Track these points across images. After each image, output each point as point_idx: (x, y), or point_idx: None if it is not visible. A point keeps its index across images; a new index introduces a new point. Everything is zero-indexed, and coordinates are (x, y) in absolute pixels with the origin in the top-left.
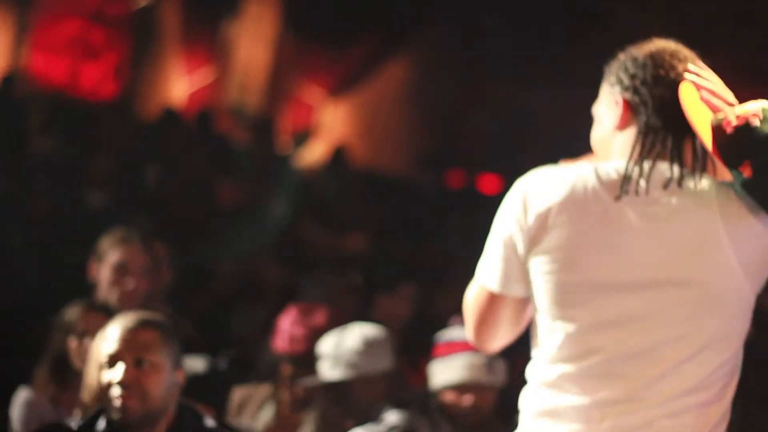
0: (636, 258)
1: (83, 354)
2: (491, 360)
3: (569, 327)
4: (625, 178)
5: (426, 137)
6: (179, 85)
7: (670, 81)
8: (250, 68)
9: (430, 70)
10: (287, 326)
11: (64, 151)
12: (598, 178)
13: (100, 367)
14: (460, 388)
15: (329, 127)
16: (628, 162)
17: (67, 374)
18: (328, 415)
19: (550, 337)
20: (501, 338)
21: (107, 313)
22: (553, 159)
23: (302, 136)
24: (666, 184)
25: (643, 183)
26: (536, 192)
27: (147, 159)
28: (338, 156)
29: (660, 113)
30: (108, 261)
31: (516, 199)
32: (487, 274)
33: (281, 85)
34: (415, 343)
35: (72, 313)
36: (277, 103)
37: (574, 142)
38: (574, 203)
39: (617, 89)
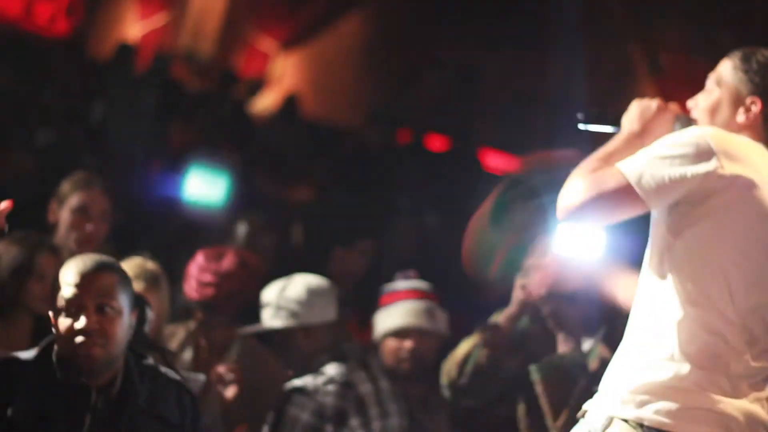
0: None
1: (33, 293)
2: (433, 307)
3: None
4: None
5: (376, 94)
6: (133, 27)
7: None
8: (204, 14)
9: (384, 27)
10: (195, 272)
11: (15, 85)
12: None
13: (59, 312)
14: (401, 333)
15: (282, 77)
16: None
17: (13, 313)
18: (248, 360)
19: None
20: (598, 220)
21: (57, 254)
22: (500, 120)
23: (255, 85)
24: None
25: None
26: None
27: (96, 97)
28: (289, 105)
29: None
30: (68, 204)
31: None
32: (647, 177)
33: (235, 33)
34: (363, 298)
35: (20, 252)
36: (230, 51)
37: (521, 104)
38: None
39: (751, 87)
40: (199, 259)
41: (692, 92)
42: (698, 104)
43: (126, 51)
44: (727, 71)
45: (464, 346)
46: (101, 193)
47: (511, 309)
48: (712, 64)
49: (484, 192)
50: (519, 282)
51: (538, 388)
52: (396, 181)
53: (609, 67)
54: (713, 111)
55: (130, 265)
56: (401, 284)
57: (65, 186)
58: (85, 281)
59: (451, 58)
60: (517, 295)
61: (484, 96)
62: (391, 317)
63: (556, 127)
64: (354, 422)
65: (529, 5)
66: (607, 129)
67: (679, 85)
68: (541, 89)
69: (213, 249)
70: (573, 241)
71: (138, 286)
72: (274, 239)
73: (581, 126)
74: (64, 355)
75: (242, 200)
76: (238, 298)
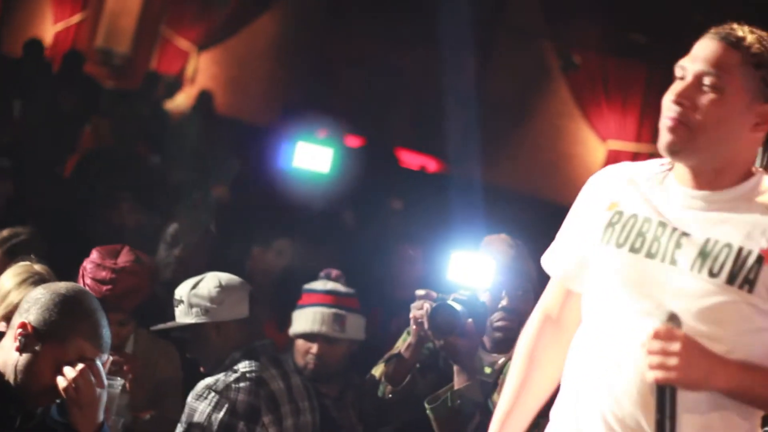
0: None
1: None
2: (343, 315)
3: None
4: None
5: (292, 91)
6: (48, 25)
7: None
8: (120, 13)
9: (300, 24)
10: (90, 270)
11: None
12: None
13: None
14: (308, 336)
15: (196, 75)
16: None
17: None
18: (144, 353)
19: None
20: None
21: None
22: (416, 120)
23: (172, 84)
24: None
25: None
26: None
27: (11, 95)
28: (203, 101)
29: None
30: None
31: None
32: None
33: (150, 32)
34: (284, 298)
35: None
36: (145, 50)
37: (439, 103)
38: None
39: (763, 97)
40: (94, 255)
41: (604, 89)
42: (703, 109)
43: (34, 46)
44: (735, 64)
45: (376, 372)
46: None
47: (410, 339)
48: (624, 61)
49: (400, 190)
50: (412, 313)
51: (434, 424)
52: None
53: (522, 63)
54: (722, 122)
55: (18, 270)
56: (318, 285)
57: None
58: None
59: (365, 55)
60: (413, 326)
61: (398, 94)
62: (302, 320)
63: (468, 124)
64: (266, 419)
65: (436, 2)
66: None
67: (591, 82)
68: (454, 86)
69: (107, 246)
70: (466, 270)
71: (28, 290)
72: (203, 239)
73: None
74: None
75: (162, 199)
76: (135, 295)
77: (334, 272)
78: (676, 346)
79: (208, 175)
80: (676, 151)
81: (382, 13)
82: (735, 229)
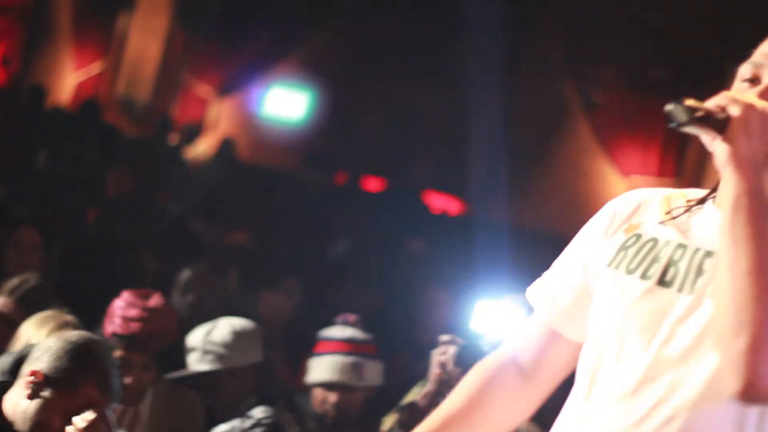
0: None
1: None
2: (361, 362)
3: None
4: None
5: (313, 136)
6: (69, 75)
7: None
8: (140, 61)
9: (320, 69)
10: (120, 308)
11: None
12: None
13: None
14: (327, 386)
15: (218, 122)
16: None
17: None
18: (158, 409)
19: None
20: None
21: None
22: (439, 161)
23: (192, 131)
24: None
25: None
26: None
27: (36, 146)
28: (224, 148)
29: None
30: None
31: None
32: None
33: (171, 79)
34: (297, 340)
35: None
36: (166, 97)
37: (462, 144)
38: None
39: None
40: (125, 296)
41: (628, 127)
42: None
43: (38, 94)
44: None
45: (388, 422)
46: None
47: (429, 387)
48: (644, 97)
49: (423, 232)
50: (436, 358)
51: None
52: (335, 224)
53: (544, 103)
54: None
55: (46, 319)
56: (335, 332)
57: None
58: None
59: (387, 97)
60: (435, 371)
61: (421, 135)
62: (319, 369)
63: (491, 165)
64: None
65: (458, 44)
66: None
67: (613, 121)
68: (476, 127)
69: (138, 290)
70: (491, 319)
71: None
72: (217, 286)
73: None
74: None
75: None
76: (163, 337)
77: (351, 317)
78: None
79: (227, 220)
80: None
81: (403, 56)
82: None
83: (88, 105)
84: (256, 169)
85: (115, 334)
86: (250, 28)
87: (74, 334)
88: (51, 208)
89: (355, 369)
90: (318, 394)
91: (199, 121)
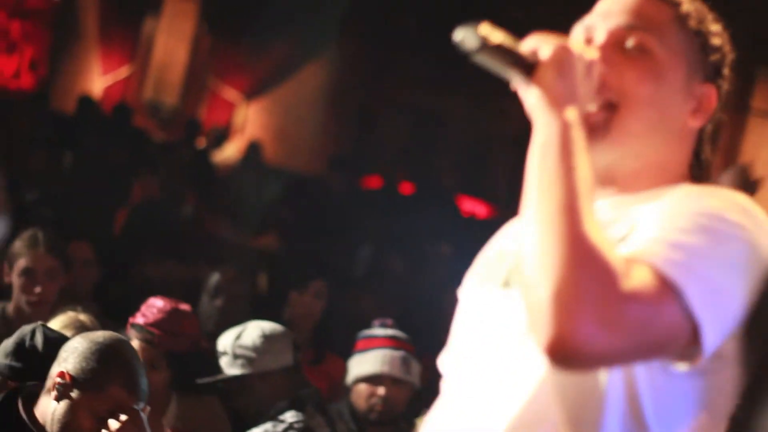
0: None
1: None
2: (408, 357)
3: None
4: None
5: (339, 140)
6: (97, 79)
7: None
8: (167, 65)
9: (346, 74)
10: (146, 309)
11: None
12: None
13: None
14: (375, 379)
15: (245, 126)
16: None
17: None
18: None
19: None
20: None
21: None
22: (465, 165)
23: (219, 134)
24: None
25: None
26: None
27: (63, 149)
28: (252, 151)
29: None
30: (16, 266)
31: None
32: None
33: (198, 83)
34: (323, 342)
35: None
36: (193, 101)
37: (487, 148)
38: None
39: (701, 73)
40: (152, 300)
41: None
42: (628, 80)
43: (88, 104)
44: (667, 20)
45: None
46: (45, 252)
47: None
48: None
49: (450, 235)
50: None
51: None
52: (361, 226)
53: None
54: (655, 100)
55: (63, 319)
56: (378, 331)
57: (13, 247)
58: None
59: (410, 102)
60: None
61: (447, 139)
62: (367, 363)
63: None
64: None
65: None
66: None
67: None
68: (501, 131)
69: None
70: None
71: None
72: (246, 289)
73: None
74: None
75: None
76: (186, 338)
77: (389, 321)
78: None
79: (255, 224)
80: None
81: (427, 60)
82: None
83: (118, 109)
84: (284, 172)
85: (132, 324)
86: (276, 32)
87: (100, 335)
88: (78, 212)
89: (404, 363)
90: (363, 390)
91: (227, 125)
